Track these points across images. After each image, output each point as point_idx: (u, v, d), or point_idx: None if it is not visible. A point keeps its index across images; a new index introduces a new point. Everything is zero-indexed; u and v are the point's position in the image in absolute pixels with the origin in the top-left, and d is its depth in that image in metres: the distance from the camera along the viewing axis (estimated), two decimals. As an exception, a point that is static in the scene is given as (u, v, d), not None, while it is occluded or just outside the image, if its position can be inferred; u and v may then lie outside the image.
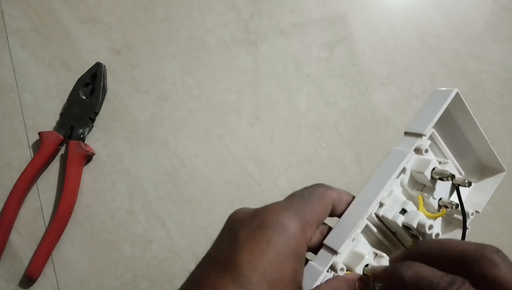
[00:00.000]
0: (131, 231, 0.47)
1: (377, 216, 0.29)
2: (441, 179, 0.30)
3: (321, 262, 0.27)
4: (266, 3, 0.52)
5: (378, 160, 0.50)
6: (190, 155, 0.49)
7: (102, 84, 0.48)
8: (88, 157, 0.47)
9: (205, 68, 0.50)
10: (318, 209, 0.26)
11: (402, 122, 0.52)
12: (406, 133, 0.31)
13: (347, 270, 0.28)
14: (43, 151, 0.46)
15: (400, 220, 0.29)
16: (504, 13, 0.56)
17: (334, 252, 0.27)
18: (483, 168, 0.35)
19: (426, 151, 0.30)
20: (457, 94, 0.30)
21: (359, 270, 0.27)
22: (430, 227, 0.28)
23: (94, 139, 0.48)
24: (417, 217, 0.28)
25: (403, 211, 0.29)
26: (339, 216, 0.29)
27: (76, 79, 0.48)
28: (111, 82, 0.49)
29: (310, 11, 0.53)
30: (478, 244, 0.23)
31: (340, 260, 0.28)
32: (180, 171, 0.48)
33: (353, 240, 0.28)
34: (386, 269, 0.26)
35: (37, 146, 0.47)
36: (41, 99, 0.48)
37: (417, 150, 0.30)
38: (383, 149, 0.51)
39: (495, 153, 0.34)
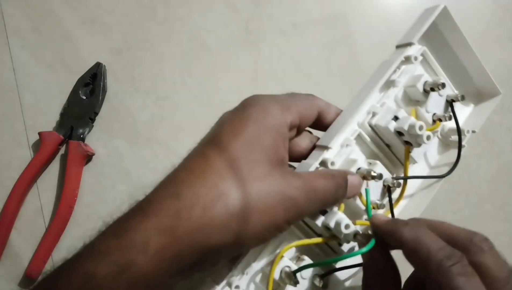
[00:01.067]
0: (131, 231, 0.47)
1: (370, 126, 0.30)
2: (432, 89, 0.30)
3: (312, 159, 0.28)
4: (266, 3, 0.52)
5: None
6: (190, 155, 0.49)
7: (102, 84, 0.48)
8: (88, 157, 0.47)
9: (205, 68, 0.50)
10: (300, 102, 0.28)
11: (402, 122, 0.52)
12: (397, 46, 0.32)
13: None
14: (43, 151, 0.46)
15: (392, 126, 0.29)
16: (504, 13, 0.56)
17: (324, 147, 0.28)
18: (480, 94, 0.36)
19: (416, 58, 0.30)
20: (445, 8, 0.31)
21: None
22: (421, 127, 0.28)
23: (94, 139, 0.48)
24: (408, 120, 0.28)
25: (396, 118, 0.29)
26: (328, 125, 0.30)
27: (76, 79, 0.48)
28: (111, 82, 0.49)
29: (310, 11, 0.53)
30: (469, 231, 0.25)
31: (331, 156, 0.28)
32: (180, 171, 0.48)
33: (346, 146, 0.29)
34: (387, 222, 0.26)
35: (37, 146, 0.47)
36: (41, 99, 0.48)
37: (407, 59, 0.30)
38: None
39: (489, 74, 0.34)
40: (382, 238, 0.26)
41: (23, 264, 0.45)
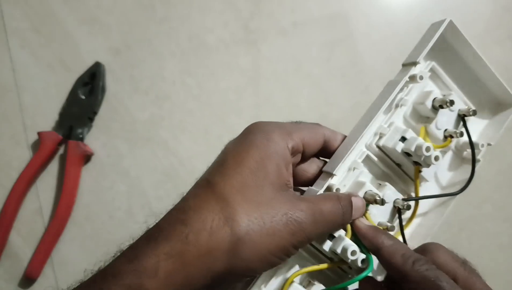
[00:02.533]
0: (130, 231, 0.46)
1: (378, 147, 0.30)
2: (441, 106, 0.29)
3: (318, 185, 0.28)
4: (266, 3, 0.52)
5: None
6: (190, 155, 0.49)
7: (101, 84, 0.48)
8: (87, 157, 0.47)
9: (205, 68, 0.50)
10: (303, 130, 0.28)
11: (402, 122, 0.52)
12: (403, 65, 0.32)
13: None
14: (43, 151, 0.46)
15: (400, 147, 0.29)
16: (504, 13, 0.56)
17: (330, 174, 0.28)
18: (498, 104, 0.34)
19: (421, 78, 0.30)
20: (451, 22, 0.29)
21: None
22: (428, 149, 0.28)
23: (93, 139, 0.48)
24: (416, 141, 0.28)
25: (403, 139, 0.29)
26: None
27: (75, 79, 0.48)
28: (110, 82, 0.49)
29: (310, 11, 0.53)
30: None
31: (336, 182, 0.28)
32: (180, 171, 0.48)
33: (353, 170, 0.29)
34: (370, 228, 0.27)
35: (36, 146, 0.47)
36: (41, 99, 0.48)
37: (412, 78, 0.30)
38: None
39: (504, 84, 0.32)
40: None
41: (23, 264, 0.45)
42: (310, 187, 0.29)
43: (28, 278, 0.45)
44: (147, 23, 0.50)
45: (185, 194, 0.26)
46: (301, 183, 0.30)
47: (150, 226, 0.25)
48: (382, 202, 0.28)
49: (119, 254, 0.24)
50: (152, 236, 0.24)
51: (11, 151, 0.47)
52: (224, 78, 0.50)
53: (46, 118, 0.48)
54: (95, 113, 0.48)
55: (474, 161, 0.31)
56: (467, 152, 0.33)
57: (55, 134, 0.46)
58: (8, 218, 0.45)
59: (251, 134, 0.27)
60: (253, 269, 0.24)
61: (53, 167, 0.47)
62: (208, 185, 0.25)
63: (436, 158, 0.28)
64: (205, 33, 0.51)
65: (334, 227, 0.27)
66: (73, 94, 0.48)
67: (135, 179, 0.48)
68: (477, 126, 0.34)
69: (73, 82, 0.48)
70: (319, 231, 0.25)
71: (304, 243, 0.25)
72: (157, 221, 0.25)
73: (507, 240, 0.54)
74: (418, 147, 0.28)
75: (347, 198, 0.27)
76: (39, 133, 0.46)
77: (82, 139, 0.47)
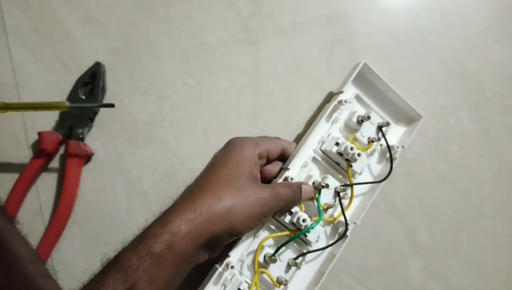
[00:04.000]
0: (130, 231, 0.46)
1: (321, 150, 0.44)
2: (362, 120, 0.44)
3: (279, 177, 0.42)
4: (266, 2, 0.52)
5: (378, 160, 0.50)
6: (190, 155, 0.49)
7: (101, 84, 0.48)
8: (87, 157, 0.47)
9: (205, 68, 0.50)
10: (267, 141, 0.42)
11: (402, 122, 0.52)
12: (334, 94, 0.46)
13: None
14: (43, 151, 0.46)
15: (335, 149, 0.43)
16: (504, 13, 0.56)
17: (286, 169, 0.42)
18: (409, 118, 0.48)
19: (346, 101, 0.44)
20: (365, 64, 0.44)
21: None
22: (351, 148, 0.42)
23: (94, 139, 0.48)
24: (344, 144, 0.43)
25: (337, 144, 0.43)
26: None
27: (76, 79, 0.48)
28: (111, 82, 0.49)
29: (310, 11, 0.53)
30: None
31: (291, 174, 0.42)
32: (180, 171, 0.48)
33: (305, 166, 0.43)
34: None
35: (36, 146, 0.47)
36: (41, 98, 0.48)
37: (340, 102, 0.44)
38: (383, 149, 0.51)
39: (410, 104, 0.47)
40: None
41: (23, 264, 0.45)
42: (274, 179, 0.43)
43: (28, 278, 0.45)
44: (147, 23, 0.50)
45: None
46: (269, 179, 0.43)
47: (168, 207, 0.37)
48: (327, 186, 0.42)
49: (149, 224, 0.36)
50: (173, 210, 0.36)
51: (11, 151, 0.47)
52: (224, 78, 0.50)
53: (46, 118, 0.48)
54: (95, 113, 0.48)
55: (391, 158, 0.45)
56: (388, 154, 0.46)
57: (56, 134, 0.46)
58: (8, 218, 0.45)
59: (231, 145, 0.41)
60: (238, 230, 0.37)
61: (54, 167, 0.47)
62: (206, 178, 0.39)
63: (359, 155, 0.43)
64: (205, 33, 0.51)
65: (289, 204, 0.40)
66: (73, 94, 0.48)
67: (136, 179, 0.48)
68: (396, 134, 0.48)
69: (73, 82, 0.48)
70: (278, 205, 0.39)
71: (269, 213, 0.39)
72: (173, 203, 0.37)
73: (507, 240, 0.54)
74: (345, 148, 0.42)
75: (297, 185, 0.41)
76: (39, 133, 0.46)
77: (82, 139, 0.47)
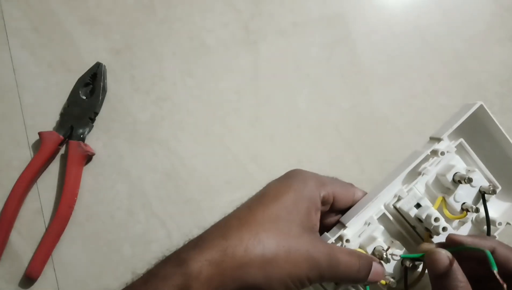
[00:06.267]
0: (131, 231, 0.47)
1: (395, 208, 0.33)
2: (460, 182, 0.32)
3: (332, 233, 0.32)
4: (266, 3, 0.52)
5: (378, 160, 0.50)
6: (190, 155, 0.49)
7: (102, 84, 0.48)
8: (88, 157, 0.47)
9: (205, 68, 0.50)
10: (337, 184, 0.33)
11: (402, 122, 0.52)
12: (430, 138, 0.35)
13: (359, 248, 0.32)
14: (43, 151, 0.46)
15: (413, 212, 0.32)
16: (505, 13, 0.56)
17: (343, 226, 0.32)
18: None
19: (442, 153, 0.32)
20: (481, 106, 0.33)
21: (369, 250, 0.32)
22: (436, 219, 0.31)
23: (94, 139, 0.48)
24: (427, 210, 0.31)
25: (418, 206, 0.32)
26: None
27: (76, 79, 0.48)
28: (111, 82, 0.49)
29: (310, 11, 0.53)
30: None
31: (347, 233, 0.32)
32: (180, 171, 0.48)
33: (368, 224, 0.32)
34: (471, 237, 0.31)
35: (37, 146, 0.47)
36: (41, 99, 0.48)
37: (434, 152, 0.33)
38: (383, 149, 0.51)
39: None
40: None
41: (23, 264, 0.45)
42: (325, 232, 0.32)
43: (29, 278, 0.45)
44: (148, 24, 0.50)
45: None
46: (327, 229, 0.34)
47: (192, 238, 0.29)
48: (387, 259, 0.31)
49: (164, 258, 0.28)
50: (197, 245, 0.28)
51: (11, 151, 0.47)
52: (224, 78, 0.51)
53: (47, 118, 0.48)
54: (96, 113, 0.48)
55: (489, 235, 0.33)
56: (485, 228, 0.34)
57: (56, 134, 0.46)
58: (9, 218, 0.45)
59: (291, 178, 0.31)
60: (273, 288, 0.28)
61: (54, 167, 0.47)
62: (249, 211, 0.29)
63: (444, 229, 0.31)
64: (205, 34, 0.51)
65: (347, 280, 0.30)
66: (74, 94, 0.48)
67: (136, 179, 0.48)
68: (500, 204, 0.35)
69: (73, 82, 0.48)
70: (331, 276, 0.29)
71: (316, 280, 0.29)
72: (200, 234, 0.29)
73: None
74: (428, 216, 0.31)
75: (367, 259, 0.30)
76: (40, 133, 0.46)
77: (83, 139, 0.47)
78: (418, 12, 0.55)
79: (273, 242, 0.27)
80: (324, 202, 0.32)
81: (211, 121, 0.50)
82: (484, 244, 0.29)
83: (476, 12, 0.56)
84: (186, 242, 0.29)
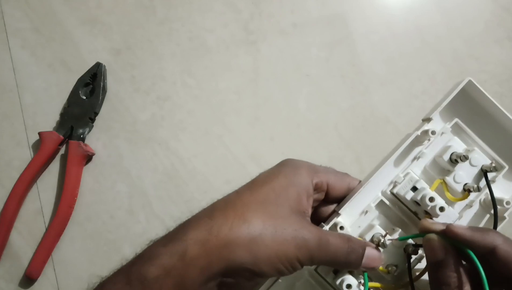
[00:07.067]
0: (131, 231, 0.47)
1: (392, 194, 0.32)
2: (457, 161, 0.31)
3: (327, 222, 0.32)
4: (266, 3, 0.52)
5: (378, 160, 0.50)
6: (190, 155, 0.49)
7: (102, 84, 0.48)
8: (88, 157, 0.47)
9: (205, 68, 0.50)
10: (331, 174, 0.32)
11: (402, 122, 0.52)
12: (422, 120, 0.34)
13: (359, 237, 0.31)
14: (43, 151, 0.46)
15: (410, 195, 0.31)
16: (504, 13, 0.56)
17: (337, 214, 0.32)
18: None
19: (433, 133, 0.31)
20: (470, 82, 0.31)
21: (368, 237, 0.31)
22: (431, 199, 0.30)
23: (94, 139, 0.48)
24: (423, 191, 0.30)
25: (414, 189, 0.31)
26: None
27: (76, 79, 0.48)
28: (111, 82, 0.49)
29: (309, 12, 0.53)
30: None
31: (341, 220, 0.31)
32: (180, 171, 0.48)
33: (366, 213, 0.32)
34: (471, 229, 0.28)
35: (37, 146, 0.47)
36: (41, 99, 0.48)
37: (425, 132, 0.32)
38: (382, 149, 0.51)
39: None
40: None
41: (23, 264, 0.45)
42: (322, 223, 0.32)
43: (29, 278, 0.45)
44: (148, 24, 0.50)
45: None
46: (323, 220, 0.33)
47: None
48: (384, 245, 0.30)
49: (152, 242, 0.28)
50: (182, 226, 0.28)
51: (11, 151, 0.47)
52: (224, 78, 0.51)
53: (47, 118, 0.48)
54: (96, 113, 0.48)
55: (496, 216, 0.31)
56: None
57: (56, 134, 0.46)
58: (9, 218, 0.45)
59: (283, 166, 0.31)
60: (261, 269, 0.27)
61: (54, 167, 0.47)
62: (237, 194, 0.29)
63: (442, 209, 0.30)
64: (205, 34, 0.51)
65: (337, 262, 0.29)
66: (74, 94, 0.48)
67: (136, 179, 0.48)
68: (510, 185, 0.34)
69: (73, 82, 0.48)
70: (321, 257, 0.28)
71: (307, 261, 0.28)
72: (189, 218, 0.29)
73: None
74: (423, 197, 0.30)
75: (358, 243, 0.29)
76: (40, 133, 0.46)
77: (83, 139, 0.47)
78: (418, 12, 0.55)
79: (259, 221, 0.27)
80: (317, 189, 0.31)
81: (211, 121, 0.50)
82: (485, 239, 0.27)
83: (475, 12, 0.56)
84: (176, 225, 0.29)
